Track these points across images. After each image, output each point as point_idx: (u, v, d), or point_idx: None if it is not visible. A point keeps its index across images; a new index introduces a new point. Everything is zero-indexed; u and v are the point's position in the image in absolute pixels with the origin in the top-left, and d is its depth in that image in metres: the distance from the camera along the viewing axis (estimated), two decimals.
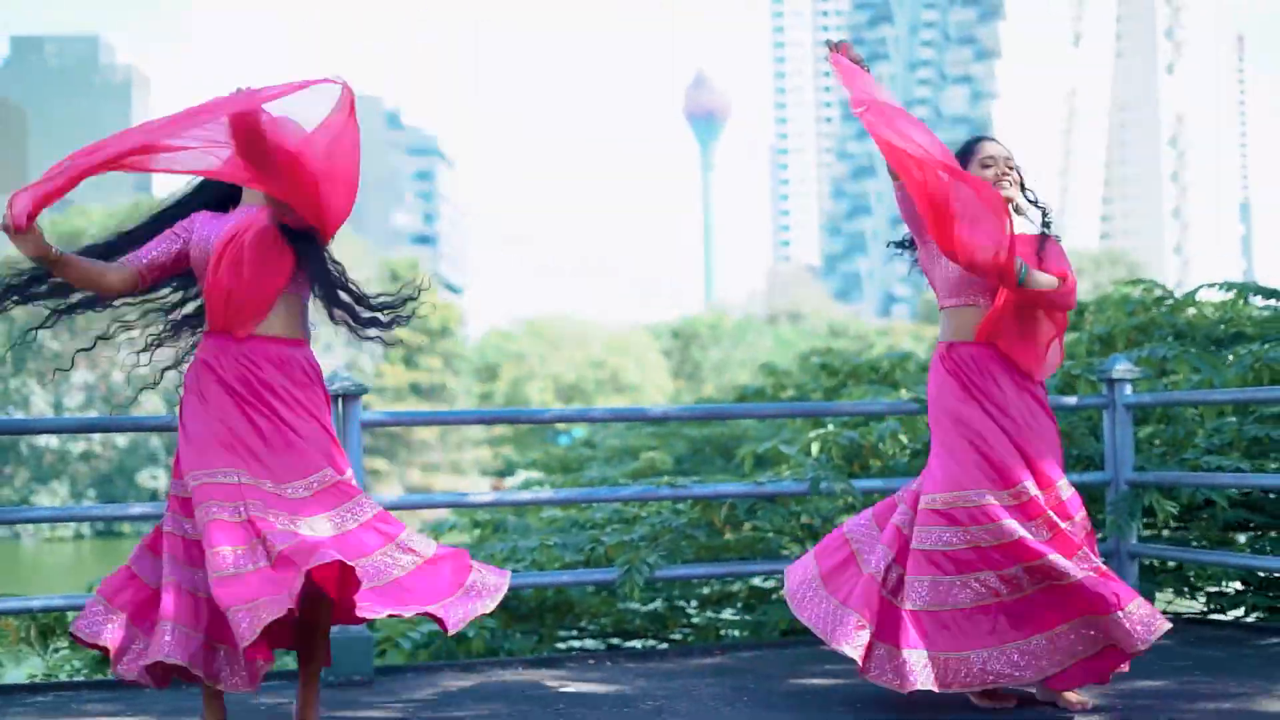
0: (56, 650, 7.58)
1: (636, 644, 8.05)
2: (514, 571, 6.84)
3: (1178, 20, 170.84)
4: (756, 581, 8.28)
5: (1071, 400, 7.12)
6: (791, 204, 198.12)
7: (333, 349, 73.91)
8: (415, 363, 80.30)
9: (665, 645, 7.89)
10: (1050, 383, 7.51)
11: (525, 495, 6.24)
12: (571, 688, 5.83)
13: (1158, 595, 7.46)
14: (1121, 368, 6.99)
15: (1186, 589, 7.59)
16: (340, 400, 6.03)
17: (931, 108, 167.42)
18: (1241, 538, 7.77)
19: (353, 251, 78.38)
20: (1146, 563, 7.41)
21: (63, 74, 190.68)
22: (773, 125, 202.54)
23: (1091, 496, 7.45)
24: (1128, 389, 7.01)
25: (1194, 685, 5.57)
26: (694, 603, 8.42)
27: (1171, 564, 7.54)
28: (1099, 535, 7.13)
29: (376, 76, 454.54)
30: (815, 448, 7.62)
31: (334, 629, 5.96)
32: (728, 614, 8.31)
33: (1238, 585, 7.58)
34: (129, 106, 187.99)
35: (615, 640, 8.26)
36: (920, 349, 10.19)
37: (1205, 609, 7.57)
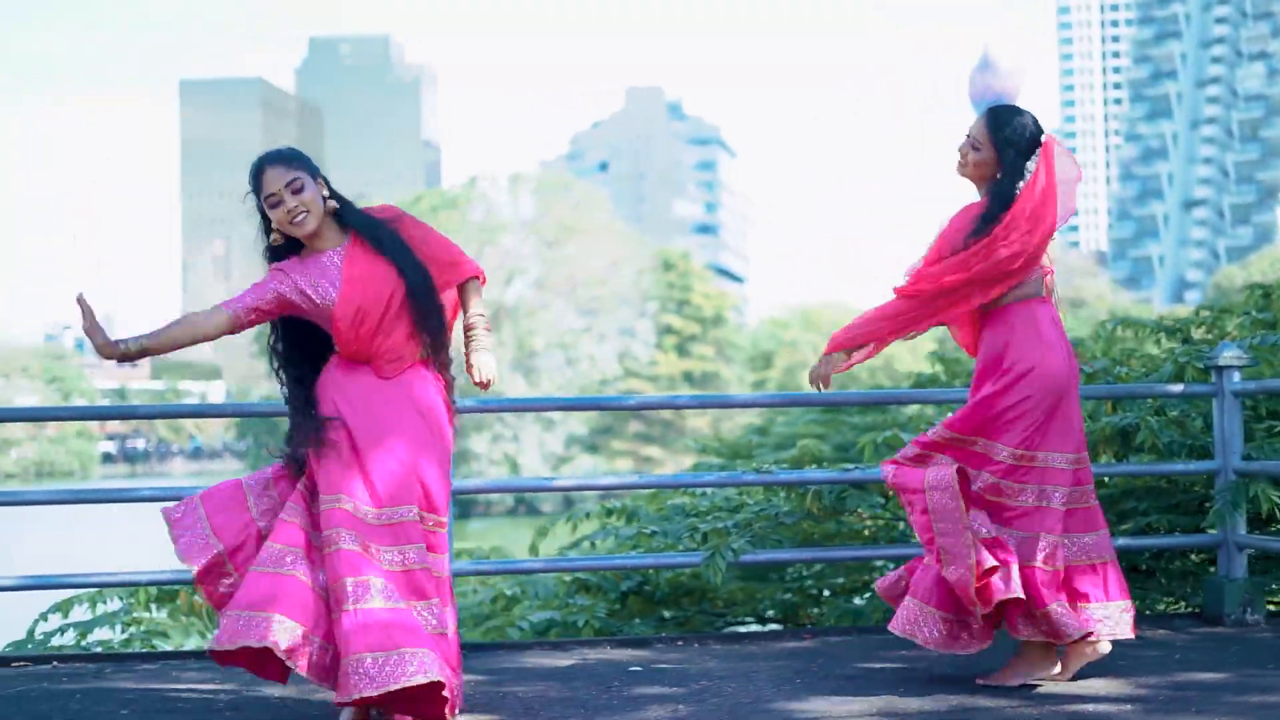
0: None
1: (740, 628, 8.17)
2: (612, 554, 7.08)
3: None
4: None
5: (1177, 388, 6.97)
6: (1078, 188, 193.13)
7: (606, 338, 75.12)
8: (688, 351, 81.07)
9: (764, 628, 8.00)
10: (1160, 371, 7.39)
11: (609, 480, 6.41)
12: (639, 667, 6.00)
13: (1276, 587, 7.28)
14: (1229, 354, 6.82)
15: None
16: None
17: (1225, 85, 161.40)
18: None
19: (626, 243, 79.53)
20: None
21: (357, 73, 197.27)
22: (1059, 109, 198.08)
23: (1201, 485, 7.33)
24: (1235, 376, 6.85)
25: (1250, 678, 5.47)
26: (827, 591, 8.51)
27: None
28: (1208, 525, 6.98)
29: (659, 67, 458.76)
30: None
31: None
32: (858, 601, 8.35)
33: None
34: (418, 104, 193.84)
35: (755, 627, 8.39)
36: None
37: None
